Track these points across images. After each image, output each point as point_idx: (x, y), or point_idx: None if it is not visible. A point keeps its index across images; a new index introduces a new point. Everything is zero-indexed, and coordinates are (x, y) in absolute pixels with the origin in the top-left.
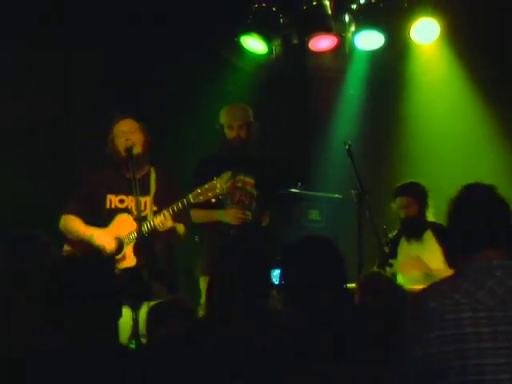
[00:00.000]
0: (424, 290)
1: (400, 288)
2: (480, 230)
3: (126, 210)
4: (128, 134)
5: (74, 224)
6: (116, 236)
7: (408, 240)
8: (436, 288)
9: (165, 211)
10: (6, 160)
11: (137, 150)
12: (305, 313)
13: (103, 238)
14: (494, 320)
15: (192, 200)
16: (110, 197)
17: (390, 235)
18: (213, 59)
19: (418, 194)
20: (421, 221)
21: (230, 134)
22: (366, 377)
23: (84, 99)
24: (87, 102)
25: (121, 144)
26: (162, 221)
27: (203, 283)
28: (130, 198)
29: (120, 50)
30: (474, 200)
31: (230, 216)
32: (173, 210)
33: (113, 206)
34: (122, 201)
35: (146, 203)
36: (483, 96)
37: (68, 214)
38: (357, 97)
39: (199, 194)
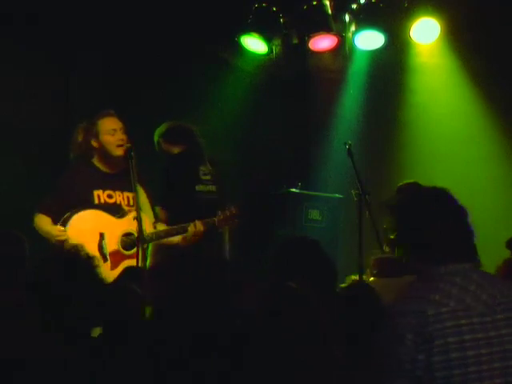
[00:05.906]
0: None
1: None
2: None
3: (116, 206)
4: (120, 134)
5: (44, 227)
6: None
7: None
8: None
9: (197, 223)
10: (6, 160)
11: (119, 151)
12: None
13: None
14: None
15: (217, 224)
16: (97, 192)
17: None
18: (213, 60)
19: None
20: None
21: None
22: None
23: (84, 100)
24: (87, 103)
25: (112, 142)
26: (195, 233)
27: None
28: (118, 193)
29: (120, 51)
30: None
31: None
32: (206, 225)
33: (102, 201)
34: (110, 196)
35: (131, 199)
36: (484, 96)
37: (40, 212)
38: (357, 97)
39: (222, 220)
